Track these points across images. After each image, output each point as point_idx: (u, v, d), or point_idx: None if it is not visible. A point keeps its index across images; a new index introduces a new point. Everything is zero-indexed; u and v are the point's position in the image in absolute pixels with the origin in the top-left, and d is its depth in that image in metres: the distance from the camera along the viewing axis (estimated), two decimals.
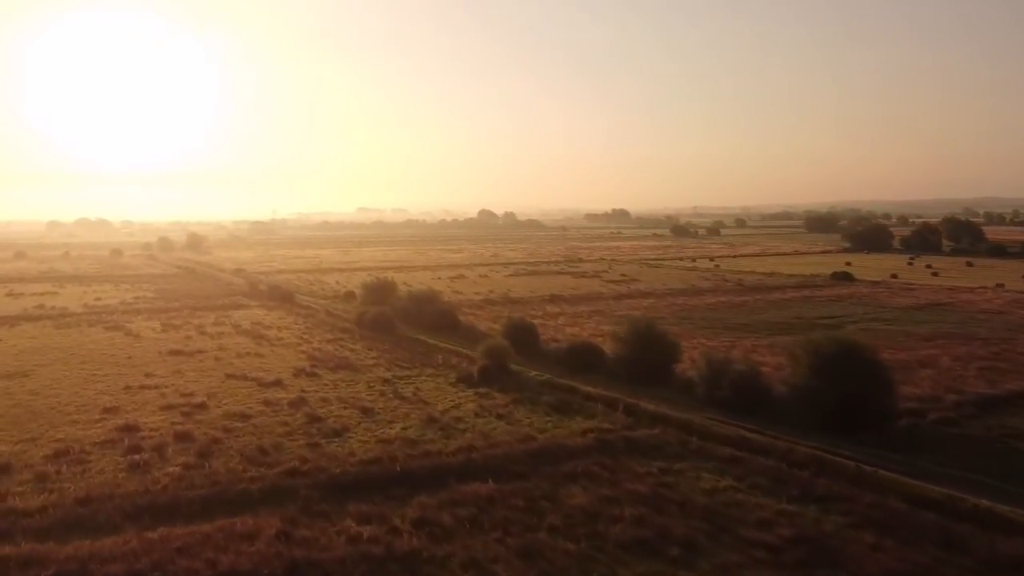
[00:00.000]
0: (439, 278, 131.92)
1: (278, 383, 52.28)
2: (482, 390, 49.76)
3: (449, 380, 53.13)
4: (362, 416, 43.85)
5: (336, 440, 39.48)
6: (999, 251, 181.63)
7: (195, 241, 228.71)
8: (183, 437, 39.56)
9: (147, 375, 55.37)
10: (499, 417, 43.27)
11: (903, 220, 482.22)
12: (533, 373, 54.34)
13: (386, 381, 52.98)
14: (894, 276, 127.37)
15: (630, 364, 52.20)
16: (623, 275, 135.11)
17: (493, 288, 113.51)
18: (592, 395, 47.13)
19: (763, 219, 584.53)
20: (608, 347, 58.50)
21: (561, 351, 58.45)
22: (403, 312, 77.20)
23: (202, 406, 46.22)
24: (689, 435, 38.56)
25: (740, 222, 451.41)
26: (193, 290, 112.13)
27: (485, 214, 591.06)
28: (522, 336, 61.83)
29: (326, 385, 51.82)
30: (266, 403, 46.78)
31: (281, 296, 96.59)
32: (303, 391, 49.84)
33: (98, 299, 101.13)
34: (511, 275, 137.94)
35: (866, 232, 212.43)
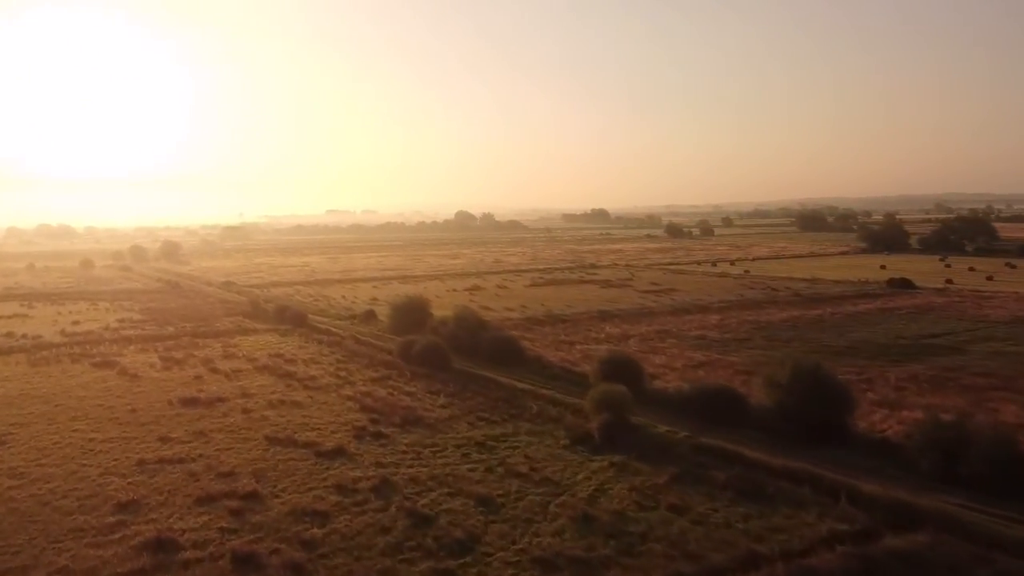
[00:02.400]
0: (454, 290, 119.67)
1: (340, 451, 40.02)
2: (615, 458, 38.07)
3: (560, 441, 41.33)
4: (483, 511, 31.91)
5: (468, 560, 27.51)
6: None
7: (170, 249, 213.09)
8: (246, 564, 27.30)
9: (162, 440, 42.74)
10: (676, 511, 31.54)
11: (867, 215, 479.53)
12: (663, 429, 42.70)
13: (480, 444, 41.01)
14: (950, 282, 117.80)
15: (791, 417, 40.79)
16: (653, 283, 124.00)
17: (524, 303, 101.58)
18: (775, 468, 35.58)
19: (742, 217, 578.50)
20: (744, 387, 47.24)
21: (684, 396, 46.84)
22: (451, 339, 64.95)
23: (253, 495, 33.88)
24: (988, 549, 27.12)
25: (727, 221, 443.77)
26: (185, 310, 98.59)
27: (463, 216, 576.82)
28: (624, 375, 50.11)
29: (404, 454, 39.68)
30: (339, 489, 34.58)
31: (293, 318, 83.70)
32: (380, 465, 37.73)
33: (76, 323, 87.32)
34: (531, 285, 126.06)
35: (883, 232, 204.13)
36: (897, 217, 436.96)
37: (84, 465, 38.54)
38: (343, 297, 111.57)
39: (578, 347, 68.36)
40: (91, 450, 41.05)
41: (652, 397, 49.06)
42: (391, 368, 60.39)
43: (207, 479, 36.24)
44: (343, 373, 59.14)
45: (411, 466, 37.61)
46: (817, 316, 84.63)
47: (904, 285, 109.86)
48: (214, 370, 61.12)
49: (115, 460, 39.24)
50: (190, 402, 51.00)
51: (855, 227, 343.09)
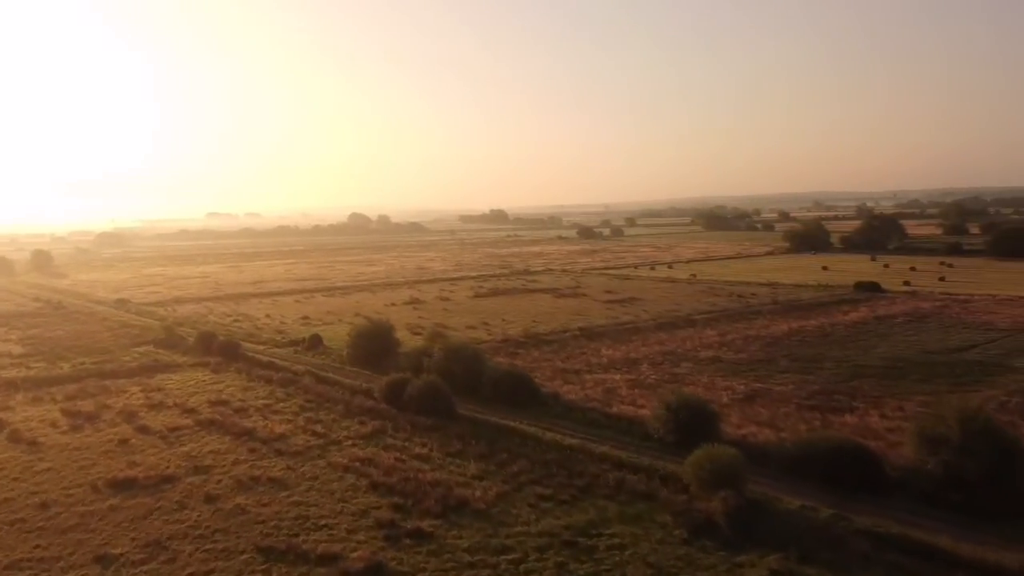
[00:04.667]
0: (393, 304, 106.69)
1: (378, 570, 27.86)
2: (770, 559, 27.77)
3: (673, 532, 30.62)
4: None
5: None
6: (956, 248, 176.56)
7: (42, 260, 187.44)
8: None
9: (100, 560, 29.20)
10: None
11: (756, 213, 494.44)
12: (796, 504, 32.64)
13: (571, 545, 29.75)
14: (908, 283, 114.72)
15: (963, 485, 31.61)
16: (608, 292, 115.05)
17: (483, 318, 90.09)
18: (1001, 566, 26.10)
19: (640, 217, 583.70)
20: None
21: (789, 454, 36.97)
22: (443, 375, 52.75)
23: None
24: None
25: (631, 221, 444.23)
26: (78, 338, 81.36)
27: (357, 218, 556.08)
28: (698, 426, 39.95)
29: (474, 569, 27.89)
30: None
31: (223, 349, 68.99)
32: None
33: None
34: (476, 296, 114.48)
35: (806, 232, 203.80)
36: (790, 215, 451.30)
37: None
38: (268, 316, 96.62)
39: (587, 377, 57.84)
40: None
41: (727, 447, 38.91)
42: (378, 417, 47.83)
43: None
44: (319, 428, 46.16)
45: None
46: (819, 328, 77.41)
47: (872, 288, 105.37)
48: (143, 429, 46.78)
49: None
50: (124, 485, 37.14)
51: (759, 226, 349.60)
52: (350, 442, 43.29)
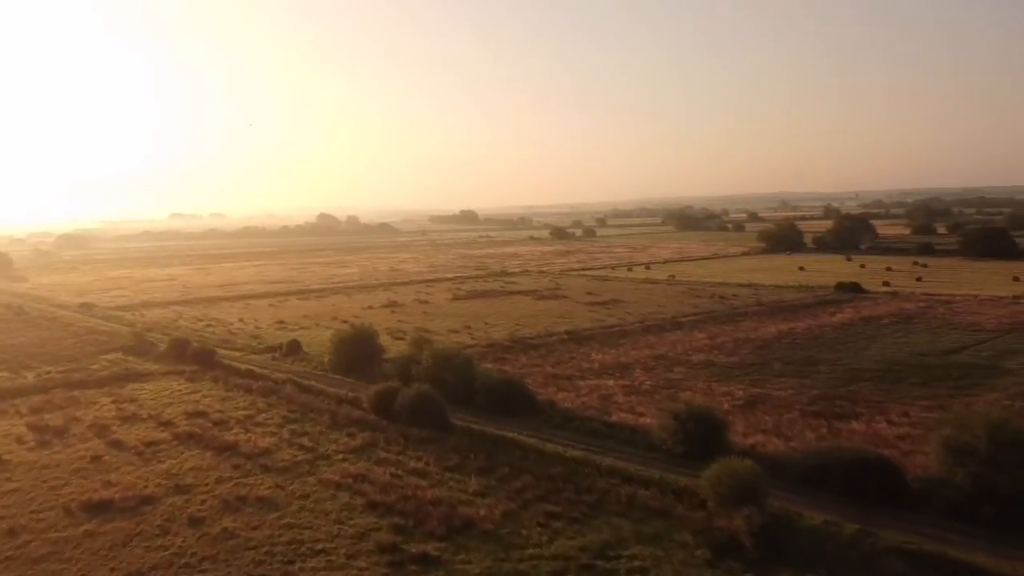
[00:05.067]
0: (370, 307, 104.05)
1: None
2: None
3: (695, 552, 28.93)
4: None
5: None
6: (929, 248, 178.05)
7: (1, 262, 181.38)
8: None
9: None
10: None
11: (725, 213, 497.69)
12: (819, 519, 31.14)
13: (588, 569, 27.89)
14: (887, 283, 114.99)
15: (987, 499, 30.37)
16: (589, 294, 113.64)
17: (465, 321, 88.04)
18: None
19: (611, 217, 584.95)
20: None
21: (803, 464, 35.51)
22: (433, 383, 50.50)
23: None
24: None
25: (601, 221, 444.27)
26: (42, 345, 77.61)
27: (326, 219, 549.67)
28: (706, 435, 38.42)
29: None
30: None
31: (197, 356, 66.05)
32: None
33: None
34: (455, 299, 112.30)
35: (780, 232, 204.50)
36: (759, 215, 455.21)
37: None
38: (241, 321, 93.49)
39: (581, 383, 56.13)
40: None
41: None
42: (368, 428, 45.59)
43: None
44: (306, 441, 43.79)
45: None
46: (808, 330, 76.58)
47: (854, 289, 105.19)
48: (116, 444, 44.03)
49: None
50: (100, 508, 34.53)
51: (729, 226, 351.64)
52: (340, 456, 41.04)
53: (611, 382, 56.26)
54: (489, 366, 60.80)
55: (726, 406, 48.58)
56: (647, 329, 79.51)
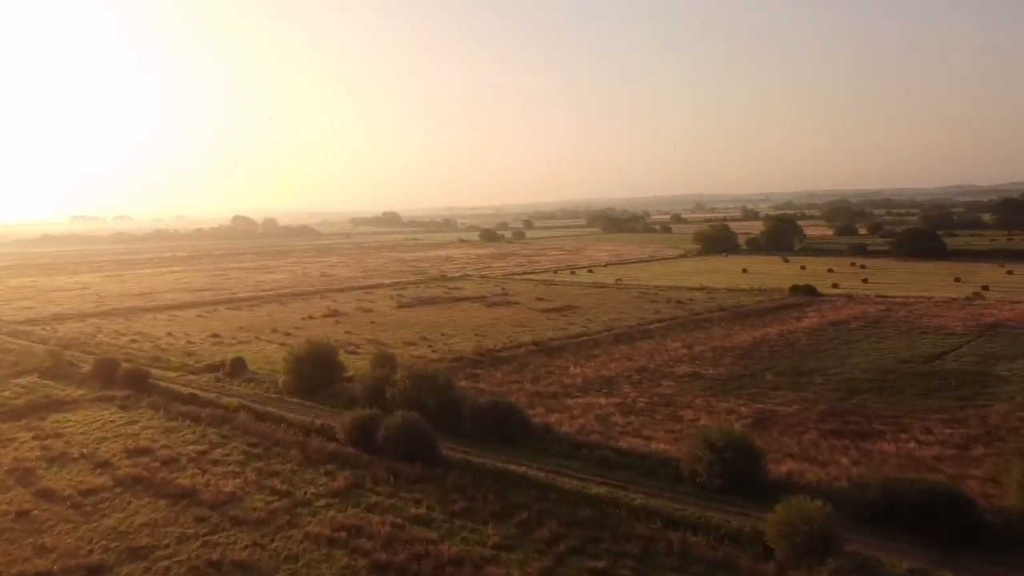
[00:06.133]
0: (310, 317, 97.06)
1: None
2: None
3: None
4: None
5: None
6: (862, 249, 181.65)
7: None
8: None
9: None
10: None
11: (646, 215, 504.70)
12: (904, 567, 27.34)
13: None
14: (836, 285, 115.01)
15: None
16: (540, 299, 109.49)
17: (420, 333, 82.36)
18: None
19: (536, 219, 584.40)
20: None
21: (868, 500, 31.75)
22: (413, 407, 44.96)
23: None
24: None
25: (528, 223, 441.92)
26: None
27: (242, 221, 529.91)
28: (740, 465, 34.41)
29: None
30: None
31: (129, 379, 58.33)
32: None
33: None
34: (400, 307, 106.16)
35: (715, 234, 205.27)
36: (682, 216, 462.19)
37: None
38: (170, 335, 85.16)
39: (569, 402, 51.59)
40: None
41: (778, 492, 33.36)
42: (348, 465, 39.78)
43: None
44: (277, 483, 37.66)
45: None
46: (781, 336, 74.19)
47: (809, 292, 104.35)
48: (46, 494, 36.90)
49: None
50: None
51: (656, 228, 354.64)
52: (323, 502, 35.18)
53: (601, 400, 51.91)
54: (463, 384, 55.58)
55: (736, 426, 44.84)
56: (617, 338, 75.64)
